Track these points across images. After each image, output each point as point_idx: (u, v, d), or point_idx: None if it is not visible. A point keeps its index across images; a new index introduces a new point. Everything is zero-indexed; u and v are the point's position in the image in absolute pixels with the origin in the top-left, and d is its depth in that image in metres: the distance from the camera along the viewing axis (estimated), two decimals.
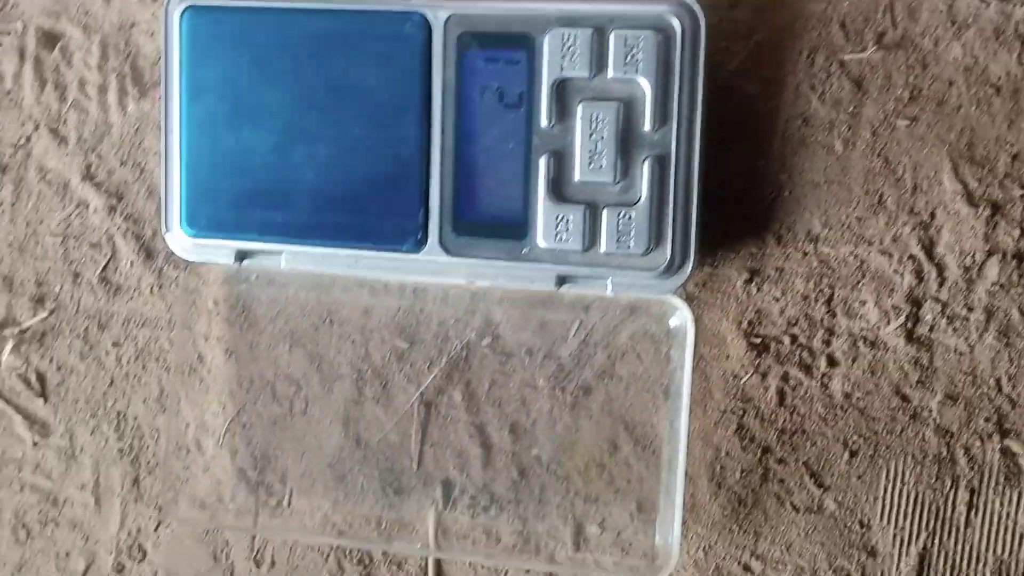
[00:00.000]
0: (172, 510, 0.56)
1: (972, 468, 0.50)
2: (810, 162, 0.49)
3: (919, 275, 0.49)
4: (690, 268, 0.46)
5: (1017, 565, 0.50)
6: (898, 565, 0.51)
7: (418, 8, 0.47)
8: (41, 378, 0.58)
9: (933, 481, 0.50)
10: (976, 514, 0.50)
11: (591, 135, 0.46)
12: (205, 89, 0.50)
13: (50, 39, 0.56)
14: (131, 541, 0.58)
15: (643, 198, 0.46)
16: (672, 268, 0.47)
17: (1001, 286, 0.48)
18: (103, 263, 0.56)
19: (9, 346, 0.58)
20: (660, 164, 0.46)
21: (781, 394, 0.51)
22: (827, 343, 0.50)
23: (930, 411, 0.50)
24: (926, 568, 0.51)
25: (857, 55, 0.48)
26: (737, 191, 0.50)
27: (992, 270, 0.48)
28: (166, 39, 0.50)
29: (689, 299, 0.51)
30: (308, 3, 0.48)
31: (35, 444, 0.59)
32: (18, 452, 0.59)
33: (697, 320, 0.50)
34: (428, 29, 0.47)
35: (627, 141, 0.46)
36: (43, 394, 0.58)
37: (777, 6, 0.48)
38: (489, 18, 0.47)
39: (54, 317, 0.57)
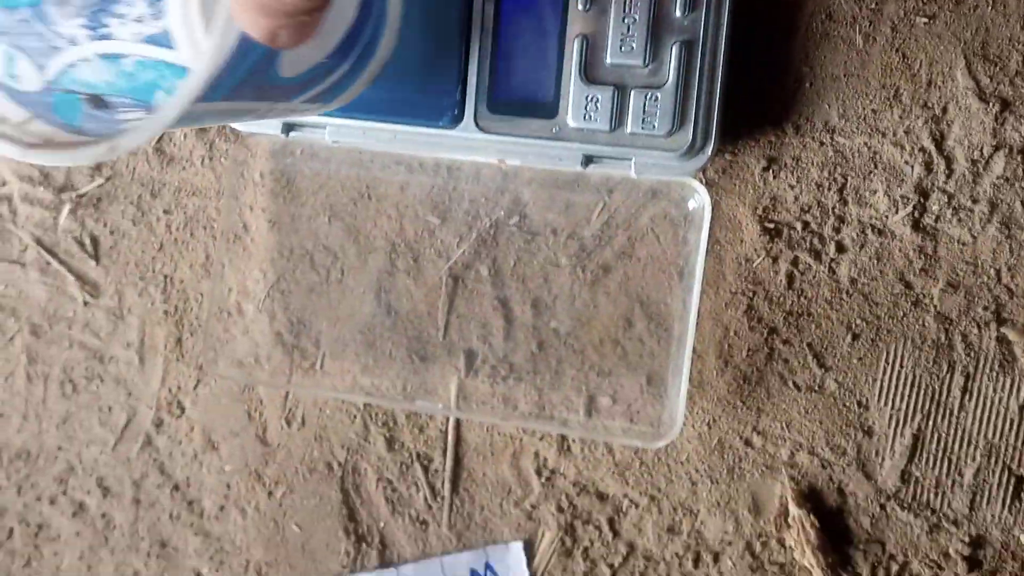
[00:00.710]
0: (212, 368, 0.59)
1: (968, 354, 0.52)
2: (831, 55, 0.51)
3: (928, 167, 0.51)
4: (710, 150, 0.49)
5: (1007, 449, 0.52)
6: (893, 445, 0.53)
7: None
8: (95, 241, 0.61)
9: (931, 365, 0.52)
10: (970, 399, 0.52)
11: (623, 19, 0.48)
12: None
13: None
14: (171, 398, 0.61)
15: (670, 81, 0.48)
16: (693, 150, 0.49)
17: (1006, 180, 0.50)
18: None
19: (67, 209, 0.61)
20: (688, 49, 0.48)
21: (790, 278, 0.53)
22: (837, 230, 0.52)
23: (931, 298, 0.52)
24: (920, 448, 0.53)
25: None
26: (760, 80, 0.52)
27: (998, 164, 0.50)
28: None
29: (709, 185, 0.53)
30: None
31: (86, 304, 0.62)
32: (69, 311, 0.62)
33: (715, 205, 0.53)
34: None
35: (657, 25, 0.48)
36: (95, 256, 0.61)
37: None
38: None
39: (110, 184, 0.60)
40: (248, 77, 0.37)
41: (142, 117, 0.44)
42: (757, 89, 0.52)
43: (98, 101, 0.44)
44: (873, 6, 0.50)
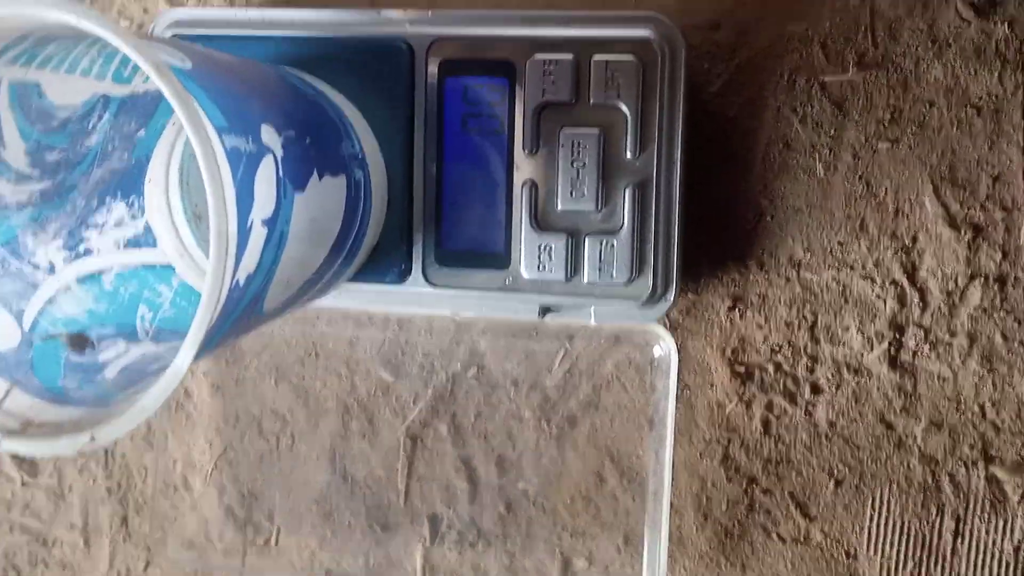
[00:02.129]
0: (161, 551, 0.56)
1: (958, 496, 0.49)
2: (792, 186, 0.49)
3: (902, 300, 0.48)
4: (672, 297, 0.46)
5: None
6: None
7: (400, 34, 0.47)
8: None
9: (919, 509, 0.50)
10: (962, 542, 0.49)
11: (572, 163, 0.46)
12: None
13: None
14: None
15: (625, 226, 0.46)
16: (655, 297, 0.46)
17: (984, 310, 0.48)
18: None
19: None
20: (642, 191, 0.46)
21: (766, 423, 0.50)
22: (811, 370, 0.50)
23: (915, 438, 0.49)
24: None
25: (838, 76, 0.48)
26: (719, 216, 0.49)
27: (974, 294, 0.48)
28: None
29: (673, 326, 0.50)
30: (293, 30, 0.48)
31: (24, 484, 0.58)
32: (7, 492, 0.59)
33: (681, 348, 0.50)
34: (411, 55, 0.47)
35: (608, 168, 0.46)
36: None
37: (758, 27, 0.48)
38: (471, 44, 0.47)
39: None
40: (232, 328, 0.36)
41: (123, 356, 0.42)
42: (717, 225, 0.49)
43: (80, 341, 0.42)
44: (832, 133, 0.48)
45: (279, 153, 0.37)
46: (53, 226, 0.43)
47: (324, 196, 0.41)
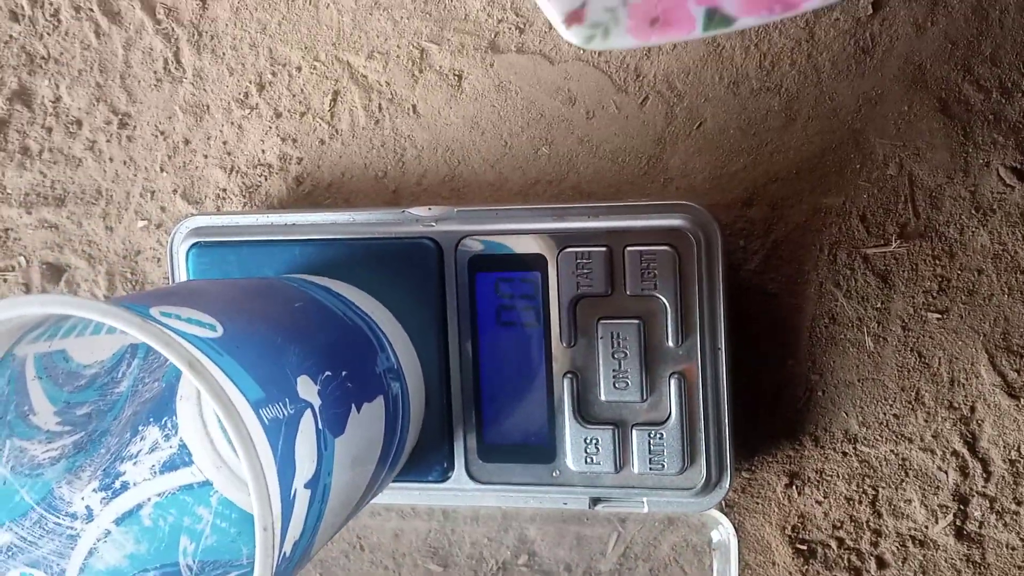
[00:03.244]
0: None
1: None
2: (841, 360, 0.47)
3: (964, 471, 0.47)
4: (727, 484, 0.45)
5: None
6: None
7: (428, 233, 0.46)
8: None
9: None
10: None
11: (613, 354, 0.45)
12: None
13: (55, 272, 0.55)
14: None
15: (673, 416, 0.44)
16: (709, 485, 0.45)
17: None
18: None
19: None
20: (687, 379, 0.44)
21: None
22: (875, 544, 0.48)
23: None
24: None
25: (880, 248, 0.47)
26: (769, 394, 0.48)
27: None
28: (172, 274, 0.49)
29: (729, 505, 0.49)
30: (317, 233, 0.47)
31: None
32: None
33: (739, 527, 0.49)
34: (440, 253, 0.46)
35: (651, 358, 0.45)
36: None
37: (793, 202, 0.47)
38: (499, 240, 0.46)
39: None
40: None
41: None
42: (767, 402, 0.48)
43: None
44: (879, 305, 0.47)
45: (317, 403, 0.36)
46: (88, 471, 0.42)
47: (364, 427, 0.40)
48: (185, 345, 0.30)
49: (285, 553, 0.33)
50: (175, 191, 0.54)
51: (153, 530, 0.44)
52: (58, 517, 0.41)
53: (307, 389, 0.36)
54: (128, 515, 0.43)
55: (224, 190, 0.53)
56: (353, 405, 0.39)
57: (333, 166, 0.52)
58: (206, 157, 0.53)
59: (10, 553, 0.38)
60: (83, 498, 0.42)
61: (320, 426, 0.36)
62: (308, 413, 0.35)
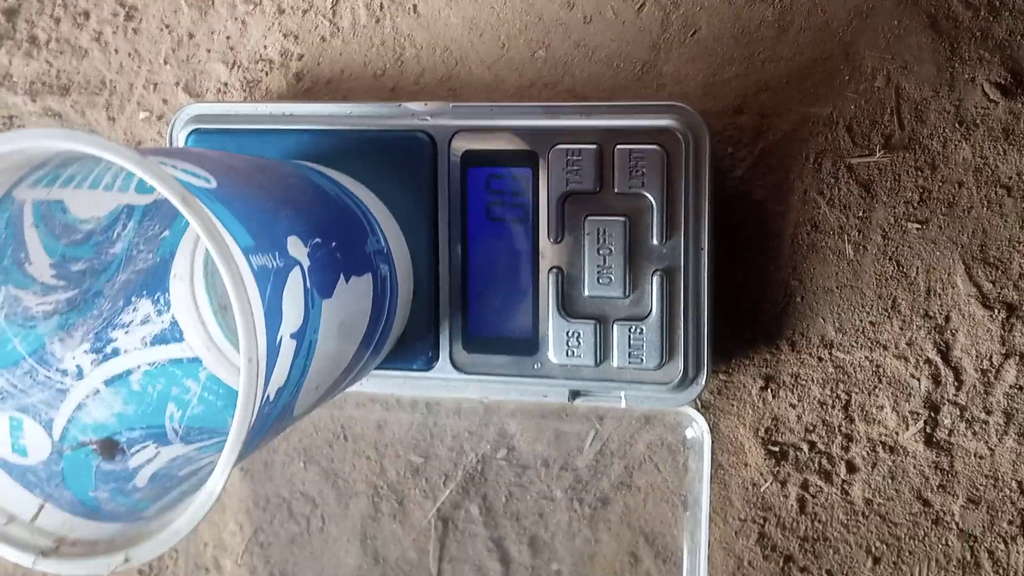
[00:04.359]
0: None
1: (997, 571, 0.49)
2: (821, 267, 0.48)
3: (936, 379, 0.48)
4: (704, 381, 0.46)
5: None
6: None
7: (422, 126, 0.47)
8: None
9: None
10: None
11: (599, 250, 0.46)
12: None
13: None
14: None
15: (653, 312, 0.45)
16: (686, 381, 0.46)
17: (1019, 388, 0.47)
18: None
19: None
20: (669, 277, 0.45)
21: (802, 501, 0.50)
22: (846, 449, 0.49)
23: (952, 515, 0.49)
24: None
25: (865, 159, 0.48)
26: (749, 298, 0.49)
27: (1010, 373, 0.47)
28: None
29: (705, 407, 0.50)
30: (314, 124, 0.48)
31: None
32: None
33: (713, 428, 0.50)
34: (434, 147, 0.47)
35: (635, 255, 0.46)
36: None
37: (781, 112, 0.48)
38: (492, 135, 0.47)
39: None
40: (263, 439, 0.36)
41: (153, 461, 0.42)
42: (746, 306, 0.49)
43: (110, 447, 0.42)
44: (860, 214, 0.48)
45: (306, 263, 0.37)
46: (80, 331, 0.43)
47: (351, 298, 0.41)
48: (179, 184, 0.31)
49: (269, 396, 0.34)
50: (177, 84, 0.55)
51: (141, 395, 0.45)
52: (48, 371, 0.42)
53: (296, 249, 0.37)
54: (117, 378, 0.44)
55: (225, 84, 0.54)
56: (342, 275, 0.40)
57: (333, 63, 0.53)
58: (209, 51, 0.54)
59: (0, 396, 0.40)
60: (74, 357, 0.43)
61: (308, 285, 0.37)
62: (297, 270, 0.36)
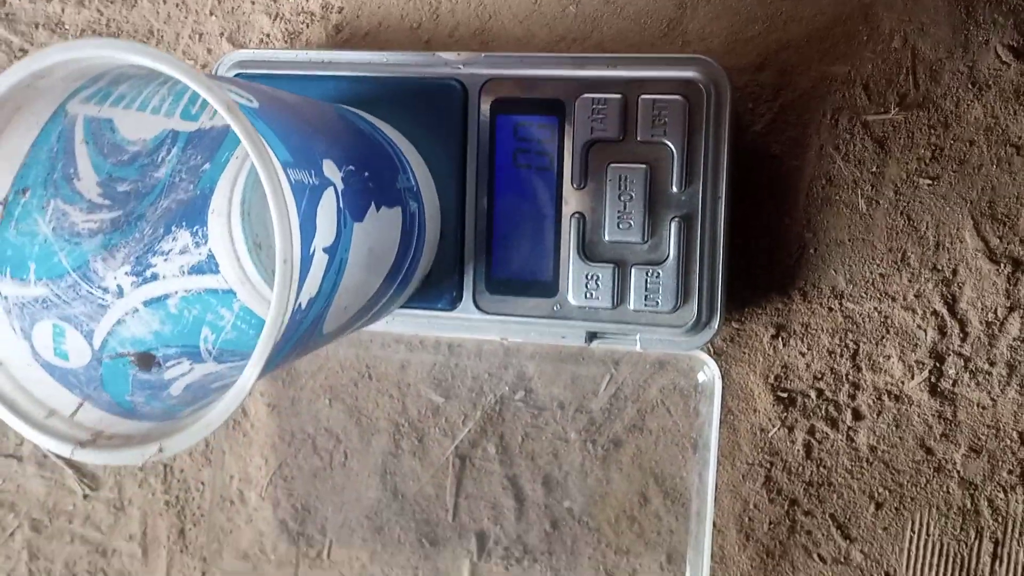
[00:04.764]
0: (216, 562, 0.57)
1: (996, 520, 0.50)
2: (834, 220, 0.50)
3: (942, 330, 0.50)
4: (717, 325, 0.47)
5: None
6: None
7: (455, 74, 0.49)
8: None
9: (958, 532, 0.51)
10: (1000, 565, 0.50)
11: (620, 196, 0.47)
12: None
13: None
14: None
15: (670, 257, 0.47)
16: (699, 325, 0.48)
17: (1023, 341, 0.49)
18: None
19: None
20: (687, 224, 0.47)
21: (808, 447, 0.51)
22: (852, 397, 0.51)
23: (954, 463, 0.50)
24: None
25: (880, 116, 0.49)
26: (763, 249, 0.51)
27: (1014, 325, 0.49)
28: None
29: (717, 354, 0.52)
30: (351, 71, 0.50)
31: (85, 496, 0.60)
32: (69, 504, 0.61)
33: (725, 374, 0.51)
34: (465, 94, 0.49)
35: (655, 202, 0.47)
36: None
37: (802, 69, 0.50)
38: (523, 84, 0.48)
39: None
40: (293, 349, 0.37)
41: (188, 375, 0.44)
42: (761, 257, 0.51)
43: (147, 360, 0.44)
44: (874, 169, 0.49)
45: (340, 186, 0.39)
46: (122, 253, 0.45)
47: (381, 226, 0.42)
48: (225, 92, 0.33)
49: (300, 304, 0.36)
50: (222, 34, 0.57)
51: (178, 317, 0.47)
52: (91, 287, 0.44)
53: (331, 171, 0.39)
54: (156, 301, 0.46)
55: (268, 35, 0.56)
56: (373, 203, 0.42)
57: (371, 16, 0.55)
58: (253, 3, 0.56)
59: (44, 305, 0.42)
60: (115, 277, 0.45)
61: (341, 206, 0.39)
62: (331, 190, 0.38)
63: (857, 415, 0.51)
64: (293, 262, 0.34)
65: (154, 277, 0.47)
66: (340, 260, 0.39)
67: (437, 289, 0.50)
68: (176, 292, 0.48)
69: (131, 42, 0.34)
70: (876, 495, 0.51)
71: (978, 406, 0.50)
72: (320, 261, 0.37)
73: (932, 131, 0.49)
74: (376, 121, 0.48)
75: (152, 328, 0.46)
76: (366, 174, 0.42)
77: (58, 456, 0.60)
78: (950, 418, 0.50)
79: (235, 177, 0.49)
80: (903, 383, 0.50)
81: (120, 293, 0.45)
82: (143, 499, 0.60)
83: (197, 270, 0.49)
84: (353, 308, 0.42)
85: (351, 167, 0.40)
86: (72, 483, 0.60)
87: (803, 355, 0.51)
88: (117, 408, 0.40)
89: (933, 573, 0.51)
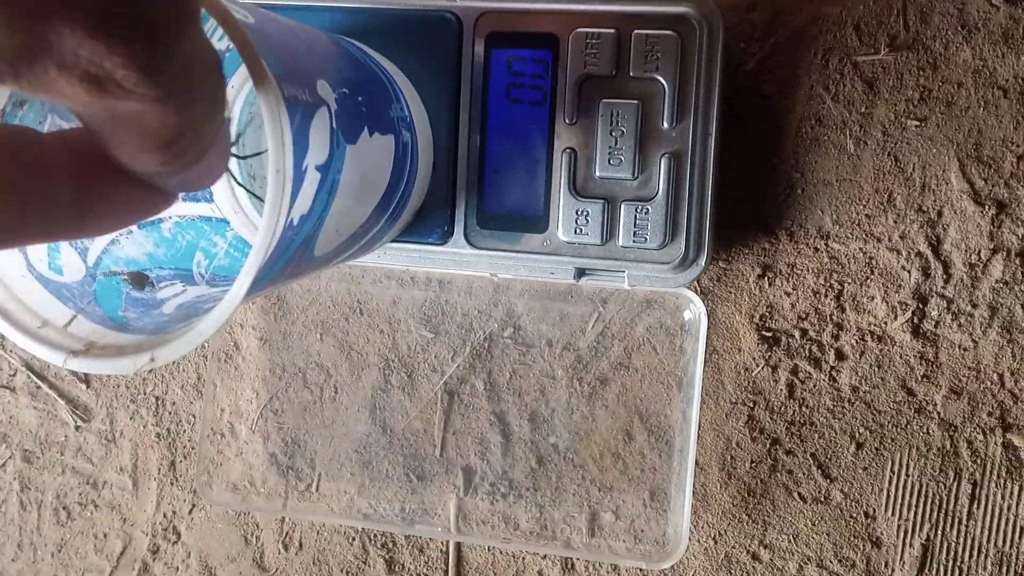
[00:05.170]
0: (206, 493, 0.58)
1: (975, 461, 0.51)
2: (822, 161, 0.50)
3: (926, 272, 0.50)
4: (704, 262, 0.48)
5: (1018, 557, 0.51)
6: (902, 555, 0.52)
7: (450, 7, 0.49)
8: None
9: (937, 473, 0.51)
10: (978, 506, 0.51)
11: (611, 132, 0.48)
12: None
13: None
14: (166, 523, 0.60)
15: (659, 193, 0.48)
16: (687, 262, 0.48)
17: (1005, 283, 0.49)
18: None
19: None
20: (676, 161, 0.47)
21: (791, 387, 0.52)
22: (836, 337, 0.51)
23: (935, 405, 0.51)
24: (929, 559, 0.52)
25: (870, 57, 0.50)
26: (751, 188, 0.51)
27: (996, 268, 0.49)
28: None
29: (703, 293, 0.52)
30: (346, 2, 0.50)
31: (77, 428, 0.61)
32: (61, 436, 0.61)
33: (710, 313, 0.52)
34: (460, 27, 0.49)
35: (646, 138, 0.48)
36: (85, 379, 0.61)
37: (793, 9, 0.50)
38: (517, 17, 0.49)
39: None
40: (285, 266, 0.38)
41: (180, 296, 0.44)
42: (748, 196, 0.51)
43: (140, 279, 0.45)
44: (863, 110, 0.50)
45: (333, 107, 0.39)
46: None
47: (373, 152, 0.43)
48: (223, 4, 0.34)
49: (292, 220, 0.36)
50: None
51: (171, 241, 0.47)
52: None
53: (325, 91, 0.39)
54: (149, 224, 0.47)
55: None
56: (366, 128, 0.42)
57: None
58: None
59: None
60: None
61: (334, 126, 0.39)
62: (324, 109, 0.38)
63: (840, 355, 0.51)
64: (286, 173, 0.34)
65: None
66: (332, 180, 0.39)
67: (428, 223, 0.50)
68: (170, 217, 0.48)
69: None
70: (857, 435, 0.52)
71: (960, 348, 0.50)
72: (312, 179, 0.37)
73: (921, 73, 0.49)
74: (371, 52, 0.49)
75: (146, 250, 0.46)
76: (360, 99, 0.42)
77: (50, 386, 0.61)
78: (932, 359, 0.51)
79: (231, 106, 0.50)
80: (886, 324, 0.51)
81: None
82: (134, 431, 0.60)
83: (191, 197, 0.50)
84: (345, 232, 0.43)
85: (345, 90, 0.41)
86: (64, 414, 0.61)
87: (788, 295, 0.51)
88: (110, 322, 0.41)
89: (912, 513, 0.52)
